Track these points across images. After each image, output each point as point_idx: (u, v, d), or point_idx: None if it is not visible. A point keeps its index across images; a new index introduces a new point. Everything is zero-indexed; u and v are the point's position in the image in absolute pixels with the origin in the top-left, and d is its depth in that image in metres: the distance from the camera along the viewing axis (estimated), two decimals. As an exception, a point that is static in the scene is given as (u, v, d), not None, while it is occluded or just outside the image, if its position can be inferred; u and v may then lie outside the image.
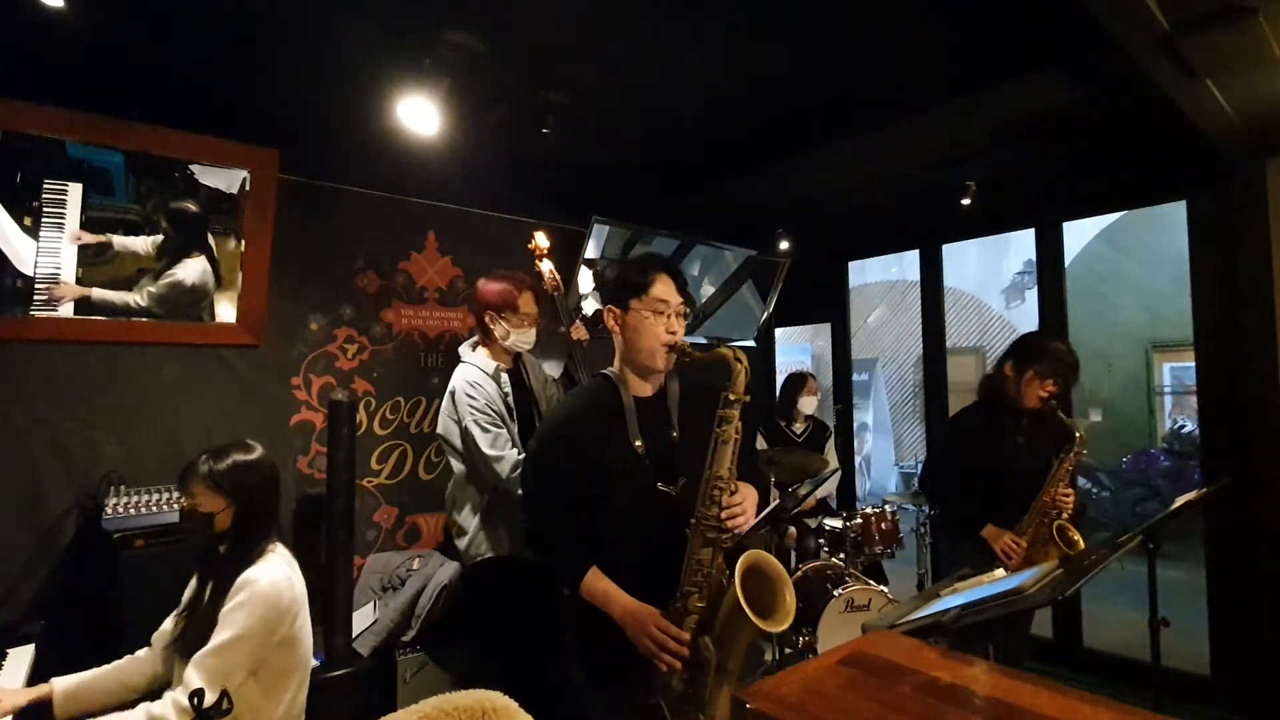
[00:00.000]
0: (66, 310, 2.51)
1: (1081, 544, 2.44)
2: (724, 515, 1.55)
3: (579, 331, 2.67)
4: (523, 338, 2.50)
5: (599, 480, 1.65)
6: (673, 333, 1.67)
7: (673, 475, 1.66)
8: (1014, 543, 2.44)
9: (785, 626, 1.43)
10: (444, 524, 3.44)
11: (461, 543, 2.49)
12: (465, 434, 2.38)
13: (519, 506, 2.40)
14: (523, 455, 2.37)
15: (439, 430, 2.49)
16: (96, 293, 2.57)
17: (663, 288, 1.68)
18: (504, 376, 2.50)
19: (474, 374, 2.45)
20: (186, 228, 2.75)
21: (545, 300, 2.64)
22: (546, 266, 2.68)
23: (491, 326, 2.48)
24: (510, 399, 2.49)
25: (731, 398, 1.55)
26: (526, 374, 2.62)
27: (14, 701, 1.62)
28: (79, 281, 2.53)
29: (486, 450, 2.34)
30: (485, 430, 2.36)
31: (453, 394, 2.44)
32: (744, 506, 1.59)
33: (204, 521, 1.68)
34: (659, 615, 1.54)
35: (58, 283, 2.49)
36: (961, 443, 2.65)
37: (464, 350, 2.56)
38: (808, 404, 4.09)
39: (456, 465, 2.48)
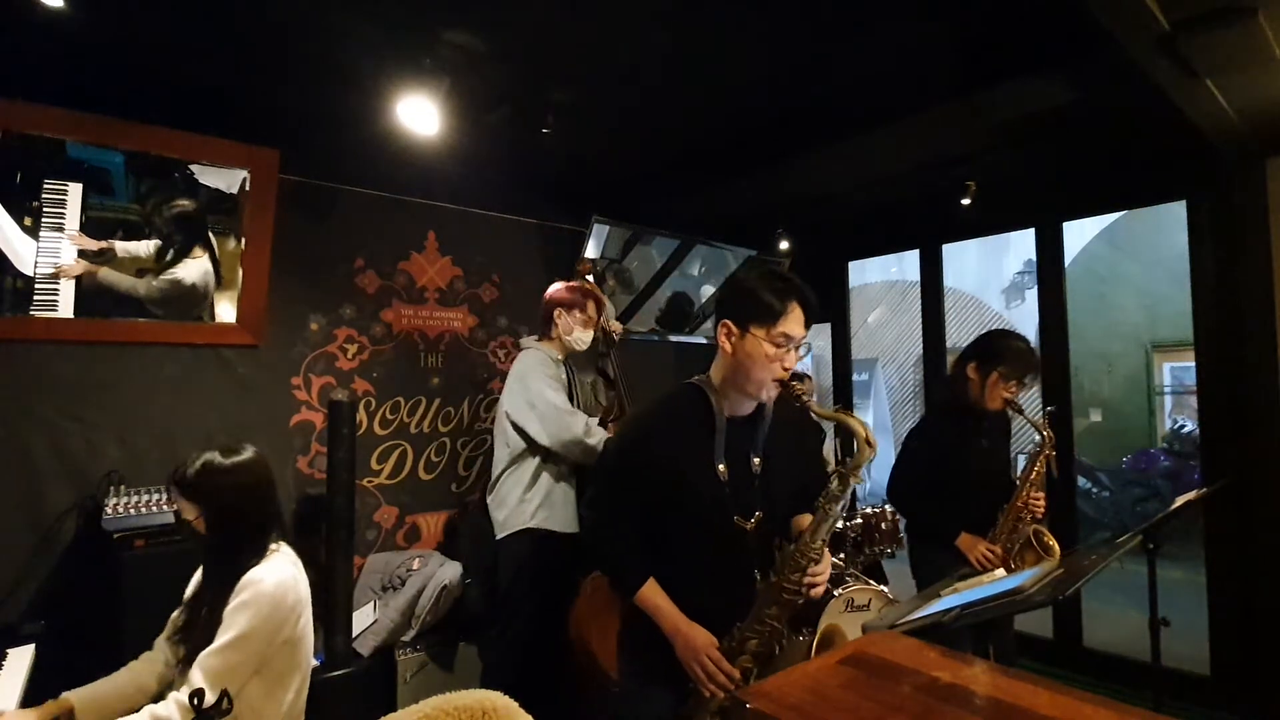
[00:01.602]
0: (69, 291, 2.50)
1: (1057, 549, 2.40)
2: (805, 581, 1.52)
3: (615, 325, 3.04)
4: (583, 336, 2.86)
5: (674, 496, 1.57)
6: (787, 368, 1.56)
7: (750, 508, 1.58)
8: (990, 551, 2.40)
9: None
10: (445, 522, 3.45)
11: (500, 515, 2.71)
12: (539, 398, 2.65)
13: (563, 482, 2.72)
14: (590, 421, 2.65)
15: (504, 408, 2.75)
16: (103, 272, 2.57)
17: (794, 322, 1.54)
18: (562, 367, 2.84)
19: (541, 356, 2.79)
20: (186, 229, 2.75)
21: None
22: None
23: (558, 321, 2.83)
24: (565, 388, 2.80)
25: (853, 481, 1.48)
26: (573, 375, 2.94)
27: None
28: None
29: (562, 406, 2.64)
30: (558, 393, 2.69)
31: (521, 375, 2.73)
32: (825, 576, 1.56)
33: (187, 527, 1.71)
34: (715, 646, 1.52)
35: (57, 274, 2.48)
36: (929, 450, 2.59)
37: (526, 341, 2.89)
38: None
39: (513, 437, 2.70)
